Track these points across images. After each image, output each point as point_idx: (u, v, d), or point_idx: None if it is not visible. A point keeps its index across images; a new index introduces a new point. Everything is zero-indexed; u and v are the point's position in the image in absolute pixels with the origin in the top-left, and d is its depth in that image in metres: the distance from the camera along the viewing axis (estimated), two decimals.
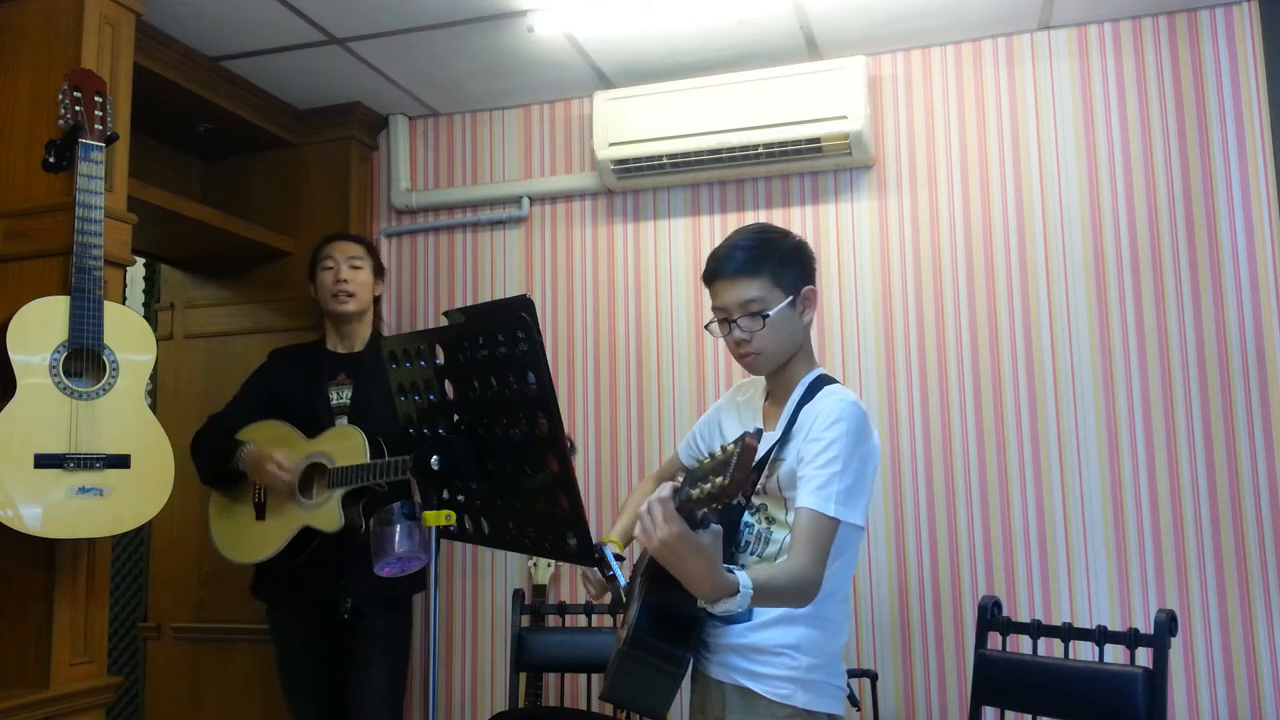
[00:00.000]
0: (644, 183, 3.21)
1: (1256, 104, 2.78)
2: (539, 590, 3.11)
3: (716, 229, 3.16)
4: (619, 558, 1.92)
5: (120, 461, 2.19)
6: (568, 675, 2.98)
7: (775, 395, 1.94)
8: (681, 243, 3.22)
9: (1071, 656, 2.37)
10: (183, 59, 2.95)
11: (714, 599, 1.47)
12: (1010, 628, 2.33)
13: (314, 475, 2.71)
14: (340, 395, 2.83)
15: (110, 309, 2.21)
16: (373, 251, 2.99)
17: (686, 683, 1.85)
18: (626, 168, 3.12)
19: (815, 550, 1.68)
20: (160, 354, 2.53)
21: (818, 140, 2.93)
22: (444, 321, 1.80)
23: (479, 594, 3.28)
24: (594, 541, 1.65)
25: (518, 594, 2.96)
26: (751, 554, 1.84)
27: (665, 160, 3.07)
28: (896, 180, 3.04)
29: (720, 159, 3.03)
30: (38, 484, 2.09)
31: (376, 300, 2.99)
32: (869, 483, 1.80)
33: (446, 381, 1.74)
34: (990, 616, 2.35)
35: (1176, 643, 2.52)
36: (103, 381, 2.19)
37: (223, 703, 3.32)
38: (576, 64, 3.12)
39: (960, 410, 2.92)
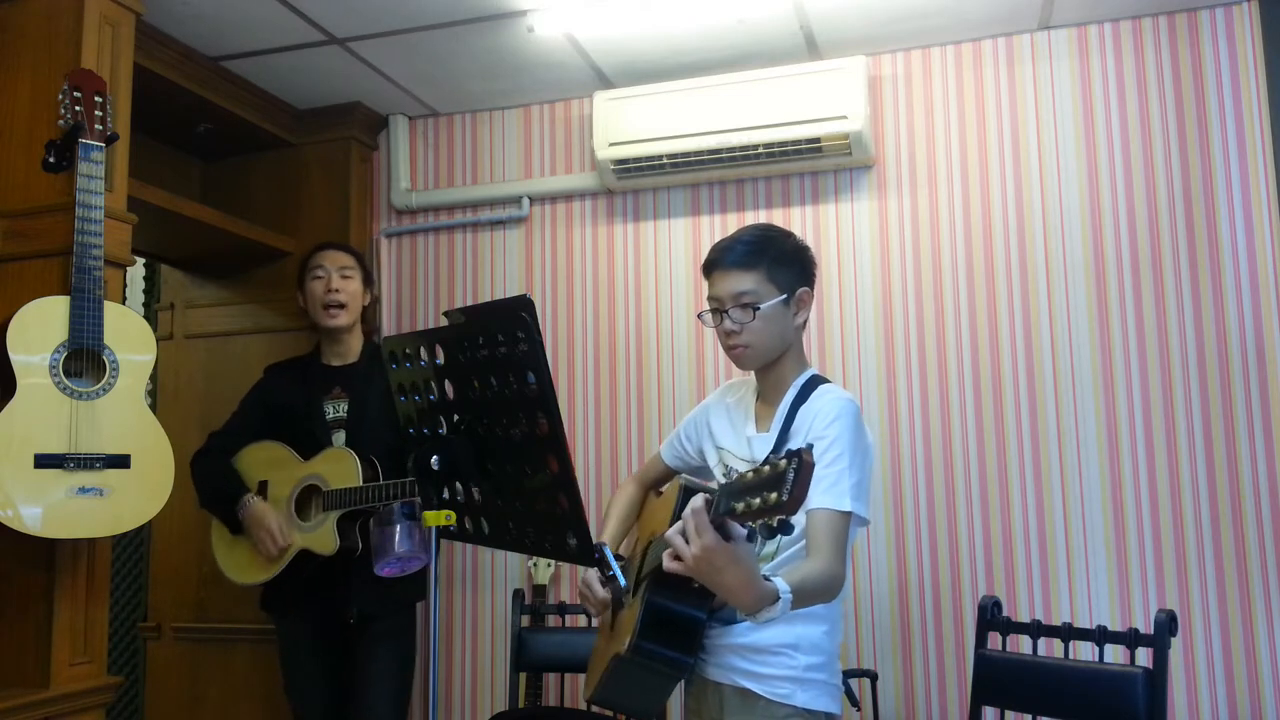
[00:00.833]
0: (644, 183, 3.21)
1: (1256, 104, 2.78)
2: (539, 590, 3.11)
3: (716, 229, 3.15)
4: (619, 558, 1.92)
5: (120, 461, 2.19)
6: (568, 675, 2.98)
7: (766, 395, 1.95)
8: (681, 243, 3.22)
9: (1071, 656, 2.37)
10: (183, 59, 2.96)
11: (756, 609, 1.48)
12: (1010, 628, 2.33)
13: (311, 496, 2.73)
14: (336, 409, 2.84)
15: (110, 309, 2.21)
16: (362, 261, 2.99)
17: (681, 684, 1.85)
18: (626, 168, 3.12)
19: (838, 547, 1.72)
20: (160, 354, 2.53)
21: (818, 140, 2.93)
22: (444, 321, 1.80)
23: (479, 594, 3.28)
24: (594, 541, 1.65)
25: (518, 594, 2.97)
26: None
27: (665, 160, 3.07)
28: (896, 180, 3.04)
29: (720, 159, 3.03)
30: (38, 484, 2.09)
31: (365, 308, 3.00)
32: (870, 477, 1.85)
33: (446, 381, 1.74)
34: (990, 616, 2.35)
35: (1176, 643, 2.52)
36: (103, 381, 2.19)
37: (223, 703, 3.32)
38: (576, 64, 3.12)
39: (960, 410, 2.92)
